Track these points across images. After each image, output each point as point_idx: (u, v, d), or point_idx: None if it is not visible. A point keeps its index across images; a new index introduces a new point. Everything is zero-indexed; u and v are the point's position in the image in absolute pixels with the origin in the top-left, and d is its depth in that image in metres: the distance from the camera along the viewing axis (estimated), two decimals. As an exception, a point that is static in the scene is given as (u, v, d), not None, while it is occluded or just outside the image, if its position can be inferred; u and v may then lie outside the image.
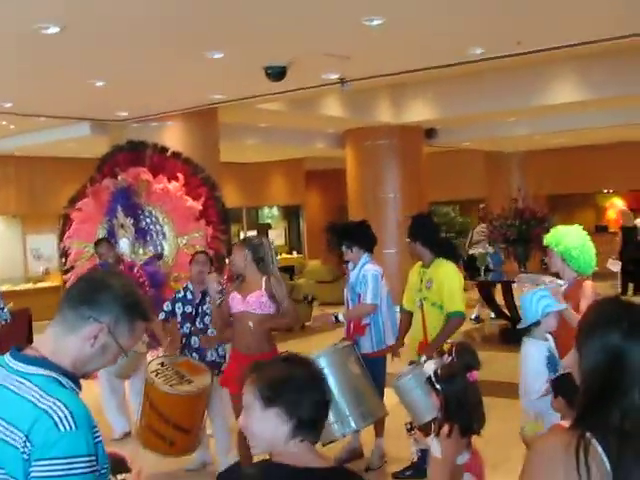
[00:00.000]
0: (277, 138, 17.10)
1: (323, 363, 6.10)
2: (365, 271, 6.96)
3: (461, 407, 4.06)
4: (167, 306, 7.30)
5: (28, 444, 2.05)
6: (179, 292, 7.37)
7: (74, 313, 2.28)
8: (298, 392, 2.45)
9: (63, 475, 2.03)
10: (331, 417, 6.04)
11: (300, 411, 2.43)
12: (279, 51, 8.72)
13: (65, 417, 2.07)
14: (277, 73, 9.31)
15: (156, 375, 6.51)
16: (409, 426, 4.80)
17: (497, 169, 22.27)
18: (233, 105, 12.03)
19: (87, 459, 2.08)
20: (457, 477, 4.10)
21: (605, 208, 24.30)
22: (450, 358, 4.20)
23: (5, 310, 8.21)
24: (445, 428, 4.05)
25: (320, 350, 6.47)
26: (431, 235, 6.69)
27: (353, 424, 6.25)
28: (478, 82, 13.90)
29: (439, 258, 6.50)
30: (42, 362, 2.22)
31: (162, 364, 6.68)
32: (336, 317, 6.90)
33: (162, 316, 7.27)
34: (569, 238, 5.60)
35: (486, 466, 4.38)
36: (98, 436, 2.17)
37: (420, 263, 6.69)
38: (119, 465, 2.49)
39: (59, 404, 2.10)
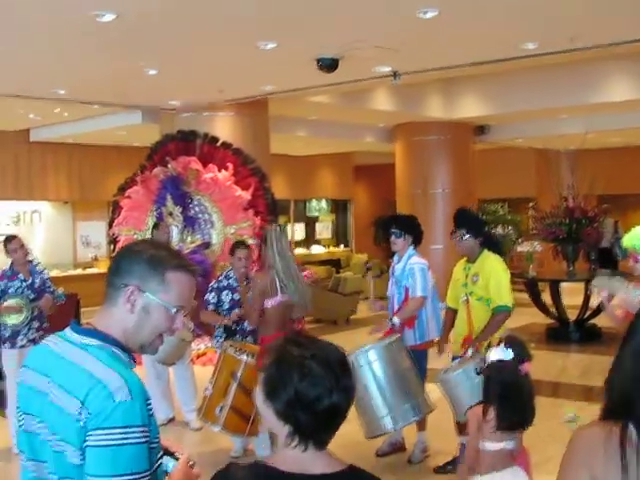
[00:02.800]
0: (326, 131, 17.08)
1: (374, 356, 6.07)
2: (411, 264, 6.85)
3: (502, 395, 4.04)
4: (213, 297, 7.33)
5: (84, 412, 2.09)
6: (221, 281, 7.38)
7: (110, 287, 2.35)
8: (296, 398, 2.06)
9: (118, 444, 2.08)
10: (381, 410, 6.02)
11: (296, 418, 2.07)
12: (331, 42, 8.71)
13: (121, 387, 2.12)
14: (329, 64, 9.31)
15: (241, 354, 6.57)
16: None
17: (548, 167, 21.86)
18: (284, 97, 12.06)
19: (141, 429, 2.13)
20: (501, 462, 4.07)
21: (659, 210, 23.91)
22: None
23: (60, 291, 8.27)
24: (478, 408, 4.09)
25: (371, 343, 6.35)
26: (479, 227, 6.59)
27: (401, 420, 6.12)
28: (532, 78, 13.76)
29: (486, 251, 6.40)
30: (99, 334, 2.28)
31: (235, 348, 6.69)
32: (393, 324, 6.69)
33: (212, 307, 7.32)
34: None
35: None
36: (151, 408, 2.22)
37: (465, 259, 6.59)
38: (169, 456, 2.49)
39: (115, 374, 2.15)
